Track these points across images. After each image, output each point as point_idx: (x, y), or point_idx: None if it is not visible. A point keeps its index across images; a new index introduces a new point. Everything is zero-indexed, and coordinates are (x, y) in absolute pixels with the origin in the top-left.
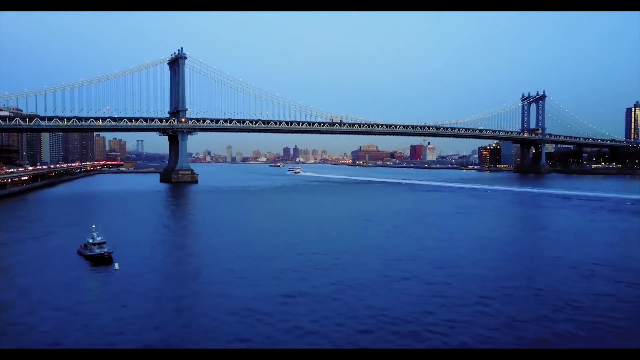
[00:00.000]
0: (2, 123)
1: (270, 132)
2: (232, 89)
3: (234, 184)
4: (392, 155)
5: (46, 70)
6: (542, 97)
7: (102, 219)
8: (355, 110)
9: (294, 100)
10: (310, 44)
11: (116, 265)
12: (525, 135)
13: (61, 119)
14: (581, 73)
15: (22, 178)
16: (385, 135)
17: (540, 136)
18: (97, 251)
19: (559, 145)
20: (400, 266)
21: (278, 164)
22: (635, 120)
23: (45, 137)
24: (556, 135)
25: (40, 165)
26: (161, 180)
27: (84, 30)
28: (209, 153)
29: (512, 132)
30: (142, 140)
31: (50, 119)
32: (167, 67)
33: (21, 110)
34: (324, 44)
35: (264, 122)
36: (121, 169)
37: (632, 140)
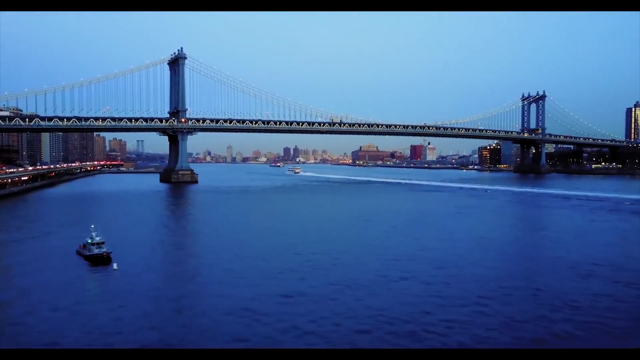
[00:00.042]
0: (2, 123)
1: (270, 132)
2: (232, 89)
3: (234, 184)
4: (392, 155)
5: (46, 70)
6: (542, 97)
7: (102, 219)
8: (355, 110)
9: (294, 100)
10: (310, 44)
11: (115, 265)
12: (525, 135)
13: (61, 119)
14: (581, 73)
15: (22, 178)
16: (385, 135)
17: (540, 136)
18: (96, 251)
19: (559, 145)
20: (400, 266)
21: (278, 164)
22: (636, 120)
23: (45, 137)
24: (556, 135)
25: (40, 165)
26: (161, 181)
27: (84, 30)
28: (209, 153)
29: (512, 132)
30: (143, 141)
31: (50, 119)
32: (167, 67)
33: (21, 110)
34: (324, 44)
35: (264, 122)
36: (121, 169)
37: (632, 140)
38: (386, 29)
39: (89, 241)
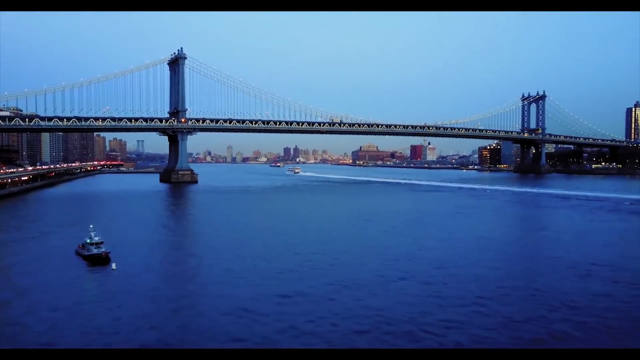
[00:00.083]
0: (2, 123)
1: (270, 132)
2: (232, 89)
3: (234, 184)
4: (393, 155)
5: (46, 70)
6: (542, 97)
7: (102, 219)
8: (355, 110)
9: (294, 100)
10: (310, 44)
11: (113, 265)
12: (525, 135)
13: (61, 119)
14: (581, 73)
15: (22, 178)
16: (385, 135)
17: (540, 136)
18: (95, 251)
19: (559, 145)
20: (399, 266)
21: (278, 164)
22: (636, 120)
23: (45, 137)
24: (556, 135)
25: (40, 165)
26: (161, 181)
27: (84, 30)
28: (210, 153)
29: (512, 132)
30: (143, 141)
31: (50, 119)
32: (167, 67)
33: (21, 110)
34: (324, 44)
35: (263, 122)
36: (121, 169)
37: (633, 140)
38: (386, 29)
39: (88, 241)
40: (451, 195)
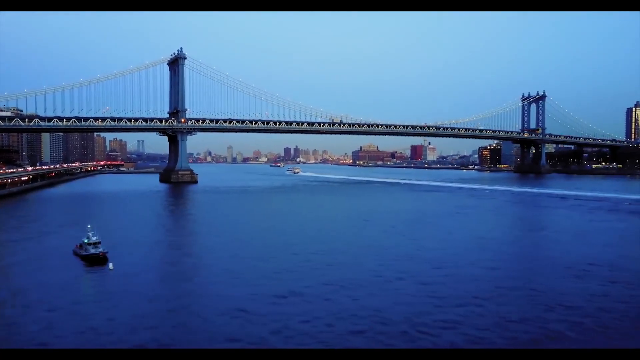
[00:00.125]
0: (2, 123)
1: (270, 132)
2: (232, 89)
3: (234, 184)
4: (393, 155)
5: (46, 70)
6: (542, 97)
7: (101, 219)
8: (355, 110)
9: (294, 100)
10: (310, 44)
11: (110, 265)
12: (526, 135)
13: (61, 119)
14: (581, 73)
15: (22, 178)
16: (385, 135)
17: (541, 136)
18: (92, 251)
19: (559, 145)
20: (397, 266)
21: (278, 164)
22: (636, 120)
23: (45, 137)
24: (556, 135)
25: (40, 165)
26: (161, 181)
27: (84, 30)
28: (210, 153)
29: (512, 132)
30: (143, 141)
31: (50, 119)
32: (166, 68)
33: (21, 111)
34: (324, 44)
35: (263, 122)
36: (121, 169)
37: (633, 140)
38: (386, 29)
39: (86, 241)
40: (451, 196)
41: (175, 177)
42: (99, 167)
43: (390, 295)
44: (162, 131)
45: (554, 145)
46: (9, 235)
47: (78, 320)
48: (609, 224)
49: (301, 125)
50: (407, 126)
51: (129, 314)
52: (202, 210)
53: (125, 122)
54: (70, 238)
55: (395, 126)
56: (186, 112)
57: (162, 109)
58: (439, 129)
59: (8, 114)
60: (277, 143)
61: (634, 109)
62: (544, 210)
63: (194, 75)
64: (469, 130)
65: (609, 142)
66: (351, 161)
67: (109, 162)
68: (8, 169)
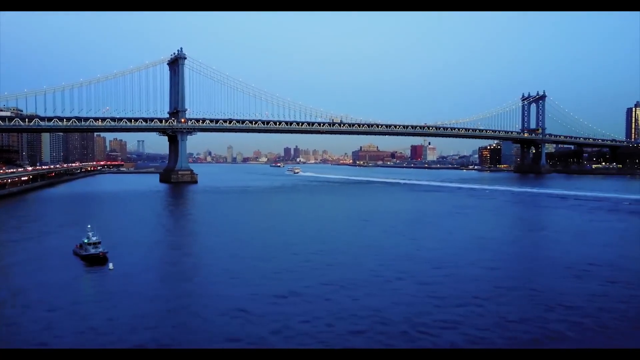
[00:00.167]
0: (2, 123)
1: (270, 132)
2: (232, 89)
3: (234, 184)
4: (393, 155)
5: (46, 70)
6: (542, 97)
7: (101, 219)
8: (355, 110)
9: (294, 100)
10: (310, 44)
11: (110, 265)
12: (526, 135)
13: (61, 119)
14: (581, 73)
15: (22, 178)
16: (385, 135)
17: (541, 136)
18: (92, 251)
19: (559, 145)
20: (397, 266)
21: (278, 164)
22: (636, 120)
23: (45, 137)
24: (556, 135)
25: (40, 165)
26: (161, 181)
27: (84, 30)
28: (210, 153)
29: (512, 132)
30: (143, 141)
31: (50, 119)
32: (166, 68)
33: (21, 111)
34: (324, 44)
35: (263, 122)
36: (121, 169)
37: (633, 140)
38: (386, 29)
39: (86, 241)
40: (451, 196)
41: (175, 177)
42: (99, 167)
43: (390, 295)
44: (162, 131)
45: (554, 145)
46: (9, 235)
47: (78, 320)
48: (609, 224)
49: (301, 125)
50: (407, 126)
51: (129, 314)
52: (202, 210)
53: (125, 122)
54: (70, 238)
55: (395, 126)
56: (186, 112)
57: (162, 109)
58: (439, 129)
59: (8, 114)
60: (277, 143)
61: (634, 109)
62: (544, 210)
63: (194, 75)
64: (469, 130)
65: (609, 142)
66: (351, 161)
67: (109, 162)
68: (8, 169)
